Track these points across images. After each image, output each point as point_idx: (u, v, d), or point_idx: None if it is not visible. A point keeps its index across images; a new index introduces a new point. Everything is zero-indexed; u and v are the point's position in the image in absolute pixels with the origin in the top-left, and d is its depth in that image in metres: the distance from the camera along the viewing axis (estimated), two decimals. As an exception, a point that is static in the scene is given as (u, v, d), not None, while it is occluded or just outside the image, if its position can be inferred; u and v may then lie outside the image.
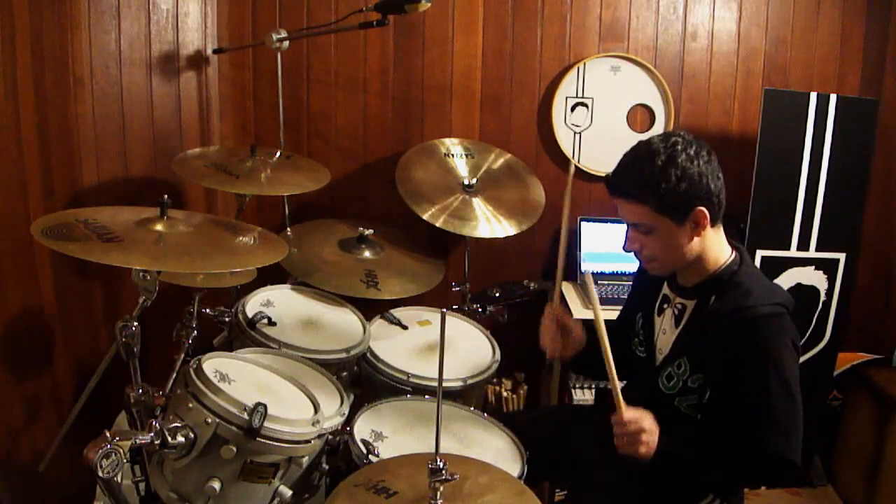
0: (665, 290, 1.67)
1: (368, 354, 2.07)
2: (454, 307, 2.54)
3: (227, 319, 2.07)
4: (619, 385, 1.50)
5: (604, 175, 1.57)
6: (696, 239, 1.51)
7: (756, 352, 1.44)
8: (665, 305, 1.66)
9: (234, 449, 1.41)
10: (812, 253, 2.59)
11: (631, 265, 2.50)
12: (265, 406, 1.42)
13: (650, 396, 1.62)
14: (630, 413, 1.48)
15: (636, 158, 1.50)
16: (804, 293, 2.61)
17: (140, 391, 1.60)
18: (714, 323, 1.50)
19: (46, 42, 1.98)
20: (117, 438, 1.30)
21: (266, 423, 1.43)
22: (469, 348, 2.21)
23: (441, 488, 1.24)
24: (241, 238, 1.74)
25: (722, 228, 1.56)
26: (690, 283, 1.59)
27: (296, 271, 2.25)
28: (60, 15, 2.02)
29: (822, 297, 2.63)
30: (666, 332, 1.64)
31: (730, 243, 1.59)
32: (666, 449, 1.47)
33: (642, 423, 1.47)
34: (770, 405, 1.42)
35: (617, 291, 2.65)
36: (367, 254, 2.41)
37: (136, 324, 1.53)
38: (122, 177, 2.30)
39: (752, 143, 2.53)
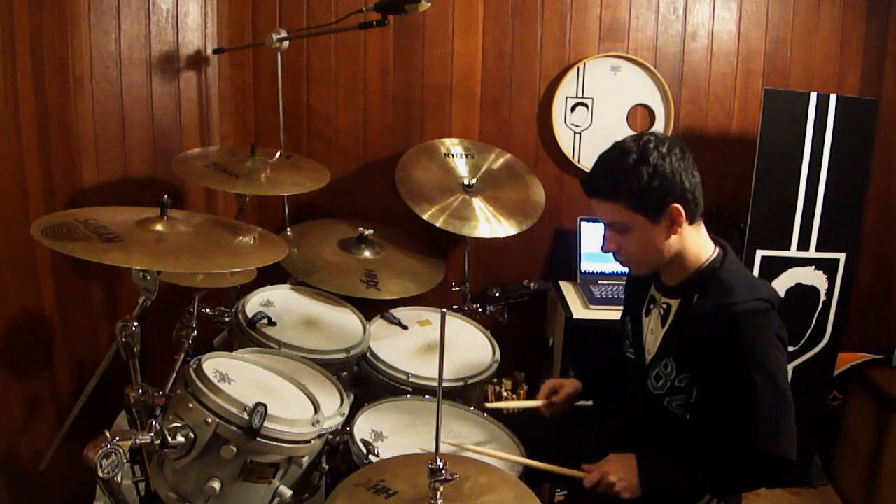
0: (652, 290, 1.67)
1: (368, 354, 2.07)
2: (454, 307, 2.54)
3: (227, 319, 2.07)
4: (556, 468, 1.62)
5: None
6: (673, 237, 1.51)
7: (739, 349, 1.42)
8: (652, 306, 1.66)
9: (234, 449, 1.41)
10: (812, 253, 2.59)
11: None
12: (265, 406, 1.42)
13: (641, 398, 1.62)
14: (590, 476, 1.55)
15: (609, 158, 1.52)
16: (804, 293, 2.61)
17: (140, 391, 1.60)
18: (697, 321, 1.50)
19: (46, 42, 1.98)
20: (117, 438, 1.30)
21: (266, 423, 1.43)
22: (469, 348, 2.21)
23: (441, 488, 1.23)
24: (241, 238, 1.74)
25: (703, 226, 1.56)
26: (674, 283, 1.59)
27: (296, 271, 2.25)
28: (60, 15, 2.02)
29: (822, 297, 2.63)
30: (653, 332, 1.64)
31: (714, 240, 1.58)
32: (652, 478, 1.51)
33: (607, 478, 1.53)
34: (756, 402, 1.41)
35: (616, 291, 2.65)
36: (367, 254, 2.41)
37: (136, 324, 1.53)
38: (122, 177, 2.30)
39: (752, 143, 2.53)
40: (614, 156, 1.51)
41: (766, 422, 1.41)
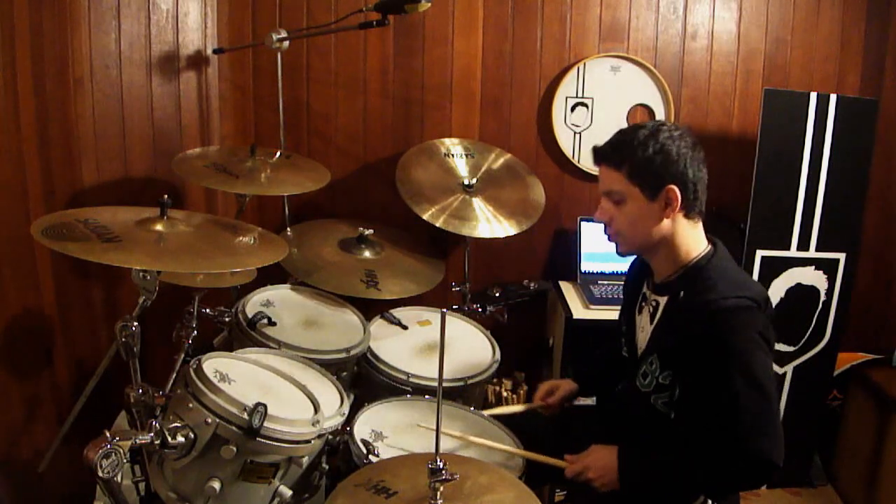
0: (644, 288, 1.68)
1: (368, 354, 2.07)
2: (454, 307, 2.55)
3: (227, 319, 2.07)
4: (539, 456, 1.67)
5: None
6: (665, 221, 1.52)
7: (719, 346, 1.41)
8: (643, 304, 1.67)
9: (234, 449, 1.41)
10: (812, 253, 2.59)
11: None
12: (265, 406, 1.42)
13: (631, 396, 1.63)
14: (571, 468, 1.60)
15: (624, 131, 1.57)
16: (804, 293, 2.61)
17: (140, 391, 1.60)
18: (680, 318, 1.50)
19: (46, 42, 1.98)
20: (117, 438, 1.30)
21: (266, 423, 1.43)
22: (469, 348, 2.21)
23: (441, 488, 1.24)
24: (241, 238, 1.74)
25: (700, 225, 1.57)
26: (663, 279, 1.59)
27: (296, 271, 2.25)
28: (60, 15, 2.02)
29: (822, 297, 2.63)
30: (643, 330, 1.65)
31: (709, 239, 1.59)
32: (631, 475, 1.52)
33: (587, 473, 1.57)
34: (737, 402, 1.39)
35: (616, 291, 2.65)
36: (367, 254, 2.41)
37: (136, 324, 1.53)
38: (122, 177, 2.30)
39: (752, 143, 2.53)
40: (629, 129, 1.55)
41: (747, 423, 1.39)
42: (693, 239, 1.55)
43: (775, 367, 2.64)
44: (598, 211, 1.60)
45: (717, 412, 1.42)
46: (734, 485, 1.51)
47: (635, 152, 1.50)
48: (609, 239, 1.63)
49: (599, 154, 1.57)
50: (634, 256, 1.82)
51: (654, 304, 1.62)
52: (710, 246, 1.57)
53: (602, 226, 1.62)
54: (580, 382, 1.92)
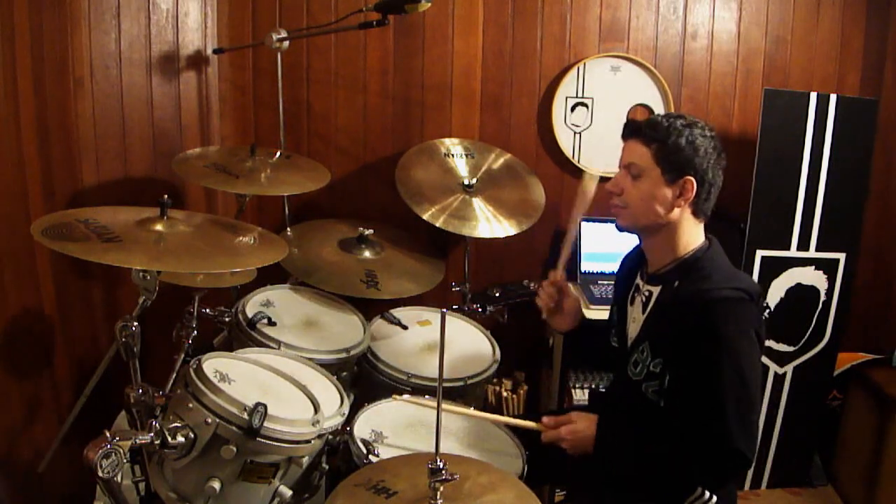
0: (637, 279, 1.71)
1: (368, 354, 2.07)
2: (454, 307, 2.54)
3: (227, 319, 2.07)
4: (516, 420, 1.76)
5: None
6: (675, 209, 1.56)
7: (709, 334, 1.43)
8: (636, 294, 1.70)
9: (234, 449, 1.41)
10: (812, 253, 2.59)
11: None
12: (265, 406, 1.42)
13: (622, 385, 1.65)
14: (547, 435, 1.66)
15: (661, 115, 1.62)
16: (804, 293, 2.61)
17: (140, 391, 1.60)
18: (673, 306, 1.54)
19: (46, 42, 1.98)
20: (117, 438, 1.30)
21: (266, 423, 1.43)
22: (469, 348, 2.22)
23: (441, 488, 1.24)
24: (241, 238, 1.74)
25: (702, 227, 1.61)
26: (658, 270, 1.62)
27: (296, 271, 2.25)
28: (60, 15, 2.02)
29: (822, 297, 2.63)
30: (635, 320, 1.68)
31: (707, 237, 1.63)
32: (605, 450, 1.57)
33: (562, 444, 1.63)
34: (720, 391, 1.41)
35: (617, 291, 2.65)
36: (367, 254, 2.41)
37: (136, 324, 1.53)
38: (122, 177, 2.30)
39: (752, 143, 2.53)
40: (666, 115, 1.60)
41: (726, 412, 1.41)
42: (694, 234, 1.60)
43: (775, 367, 2.65)
44: (612, 181, 1.63)
45: (700, 399, 1.44)
46: (703, 472, 1.51)
47: (669, 135, 1.54)
48: (614, 212, 1.66)
49: (633, 127, 1.61)
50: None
51: (646, 294, 1.64)
52: (706, 241, 1.62)
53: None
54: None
